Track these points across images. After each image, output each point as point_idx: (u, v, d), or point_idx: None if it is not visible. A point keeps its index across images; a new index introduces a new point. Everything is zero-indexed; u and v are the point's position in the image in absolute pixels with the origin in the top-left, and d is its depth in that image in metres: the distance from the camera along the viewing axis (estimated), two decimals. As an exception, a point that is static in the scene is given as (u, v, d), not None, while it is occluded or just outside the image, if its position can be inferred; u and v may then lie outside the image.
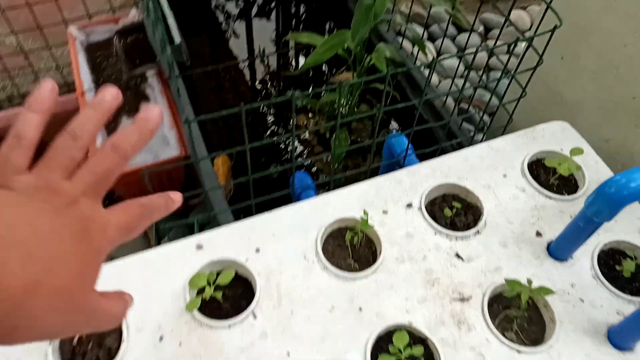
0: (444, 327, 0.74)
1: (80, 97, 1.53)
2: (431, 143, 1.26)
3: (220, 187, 1.07)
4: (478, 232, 0.84)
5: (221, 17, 1.98)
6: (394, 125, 1.62)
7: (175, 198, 0.37)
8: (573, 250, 0.80)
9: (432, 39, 2.06)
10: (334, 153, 1.37)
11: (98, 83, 1.60)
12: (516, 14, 2.23)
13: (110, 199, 1.63)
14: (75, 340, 0.69)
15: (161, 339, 0.71)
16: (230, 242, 0.81)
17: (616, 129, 1.13)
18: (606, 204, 0.65)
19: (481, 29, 2.14)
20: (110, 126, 1.50)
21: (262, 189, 0.95)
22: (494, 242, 0.83)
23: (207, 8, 2.03)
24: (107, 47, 1.71)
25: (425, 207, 0.87)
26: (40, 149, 0.31)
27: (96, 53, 1.70)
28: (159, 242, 1.48)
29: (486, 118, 1.73)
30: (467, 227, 0.86)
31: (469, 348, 0.72)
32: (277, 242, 0.81)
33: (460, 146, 1.20)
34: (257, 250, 0.80)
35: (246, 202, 0.91)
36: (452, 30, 2.11)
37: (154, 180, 1.43)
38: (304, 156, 1.55)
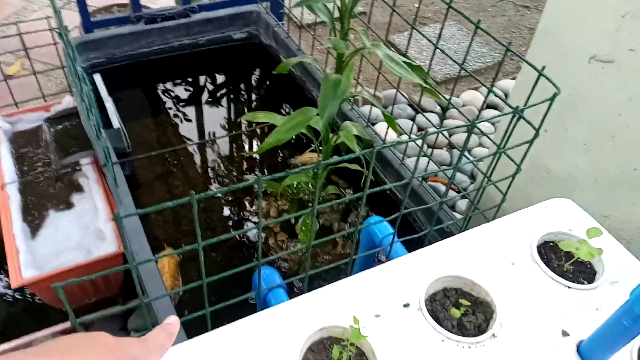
0: None
1: (0, 191, 1.37)
2: (410, 228, 1.17)
3: (167, 294, 0.92)
4: (494, 335, 0.73)
5: (168, 102, 1.93)
6: (364, 209, 1.54)
7: (172, 322, 0.41)
8: (609, 354, 0.70)
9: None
10: (302, 241, 1.26)
11: (23, 174, 1.45)
12: (470, 94, 2.33)
13: (34, 304, 1.42)
14: None
15: None
16: (179, 368, 0.65)
17: (617, 204, 1.09)
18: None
19: (438, 109, 2.20)
20: (36, 221, 1.33)
21: (218, 290, 0.81)
22: (515, 347, 0.71)
23: (153, 92, 1.98)
24: (35, 136, 1.60)
25: (426, 305, 0.75)
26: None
27: (22, 142, 1.57)
28: None
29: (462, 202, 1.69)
30: (479, 328, 0.74)
31: None
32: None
33: (447, 232, 1.12)
34: (216, 378, 0.65)
35: (198, 312, 0.76)
36: (409, 110, 2.15)
37: (85, 282, 1.25)
38: (269, 249, 1.43)
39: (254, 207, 1.56)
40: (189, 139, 1.80)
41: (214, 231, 1.50)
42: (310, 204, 1.40)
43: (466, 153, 1.97)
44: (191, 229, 1.48)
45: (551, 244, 0.88)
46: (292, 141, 1.81)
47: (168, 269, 1.22)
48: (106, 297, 1.37)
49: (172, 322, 0.44)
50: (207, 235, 1.46)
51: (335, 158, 0.70)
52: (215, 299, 0.77)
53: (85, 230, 1.33)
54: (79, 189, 1.44)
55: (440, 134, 2.06)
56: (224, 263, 1.44)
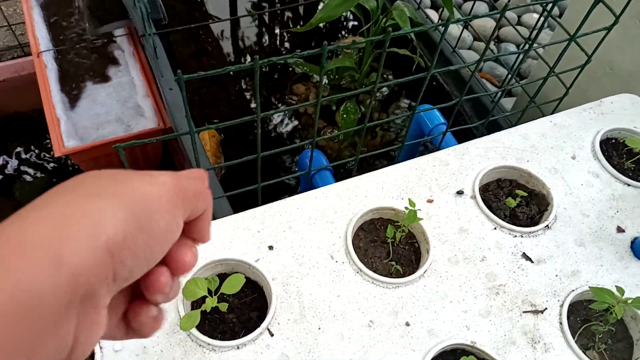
0: (515, 348, 0.62)
1: (36, 59, 1.34)
2: (456, 122, 1.13)
3: (212, 168, 0.92)
4: (548, 227, 0.72)
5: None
6: (404, 101, 1.49)
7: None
8: (667, 250, 0.69)
9: (435, 6, 1.95)
10: (342, 125, 1.23)
11: (57, 43, 1.41)
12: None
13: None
14: None
15: (146, 366, 0.56)
16: (235, 238, 0.67)
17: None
18: None
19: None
20: (74, 91, 1.32)
21: (255, 172, 0.81)
22: (569, 240, 0.71)
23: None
24: (68, 3, 1.53)
25: (480, 195, 0.74)
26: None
27: (54, 9, 1.51)
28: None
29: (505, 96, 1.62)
30: (532, 220, 0.74)
31: (547, 375, 0.60)
32: (295, 238, 0.68)
33: (496, 126, 1.08)
34: (271, 248, 0.66)
35: (250, 186, 0.77)
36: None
37: (127, 156, 1.27)
38: (307, 138, 1.41)
39: (292, 91, 1.52)
40: (226, 15, 1.71)
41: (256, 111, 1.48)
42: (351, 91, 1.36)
43: (513, 47, 1.85)
44: (229, 111, 1.46)
45: (613, 140, 0.84)
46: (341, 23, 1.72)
47: (210, 147, 1.22)
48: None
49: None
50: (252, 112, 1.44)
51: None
52: (253, 182, 0.77)
53: (123, 104, 1.32)
54: (114, 61, 1.41)
55: (489, 26, 1.93)
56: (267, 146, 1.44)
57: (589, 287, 0.65)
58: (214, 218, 0.69)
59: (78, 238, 0.21)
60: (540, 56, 1.05)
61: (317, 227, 0.69)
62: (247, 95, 1.52)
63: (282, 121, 1.46)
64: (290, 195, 0.74)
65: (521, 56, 0.85)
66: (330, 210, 0.71)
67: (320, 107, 1.34)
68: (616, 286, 0.63)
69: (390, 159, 1.35)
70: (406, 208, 0.67)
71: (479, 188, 0.77)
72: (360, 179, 0.74)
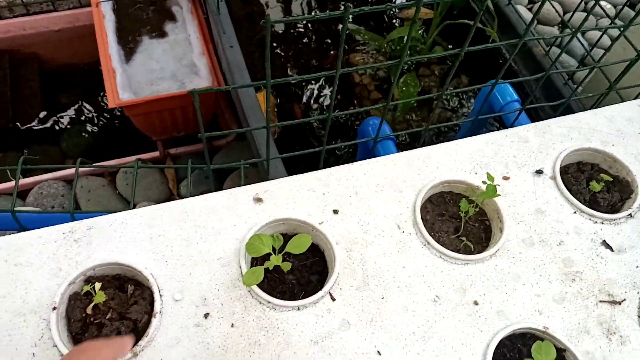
0: (589, 337, 0.59)
1: (95, 8, 1.35)
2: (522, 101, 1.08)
3: (269, 127, 0.91)
4: (631, 215, 0.68)
5: None
6: (464, 77, 1.43)
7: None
8: None
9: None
10: (401, 97, 1.20)
11: (114, -6, 1.41)
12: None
13: (128, 132, 1.48)
14: (91, 307, 0.54)
15: (206, 316, 0.56)
16: (299, 199, 0.65)
17: None
18: None
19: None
20: (130, 45, 1.32)
21: (306, 140, 0.78)
22: (653, 230, 0.67)
23: None
24: (127, -47, 1.52)
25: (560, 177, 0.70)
26: None
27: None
28: (178, 188, 1.34)
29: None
30: (613, 207, 0.70)
31: (623, 369, 0.57)
32: (361, 204, 0.66)
33: (567, 110, 1.02)
34: (335, 212, 0.65)
35: (313, 149, 0.75)
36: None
37: (178, 113, 1.27)
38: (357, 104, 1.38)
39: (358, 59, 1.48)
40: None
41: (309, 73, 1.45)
42: (412, 64, 1.31)
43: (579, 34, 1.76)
44: (282, 76, 1.44)
45: None
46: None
47: (264, 108, 1.20)
48: (192, 132, 1.40)
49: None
50: (305, 67, 1.42)
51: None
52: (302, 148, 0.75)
53: (179, 62, 1.32)
54: (172, 17, 1.40)
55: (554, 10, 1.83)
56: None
57: (677, 282, 0.61)
58: (270, 178, 0.67)
59: None
60: (626, 38, 0.98)
61: (384, 195, 0.67)
62: (301, 61, 1.49)
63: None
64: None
65: (604, 34, 0.79)
66: (399, 178, 0.68)
67: (379, 79, 1.30)
68: None
69: (449, 140, 1.31)
70: (483, 182, 0.64)
71: (560, 169, 0.73)
72: (433, 149, 0.71)
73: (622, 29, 0.77)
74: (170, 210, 0.62)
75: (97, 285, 0.53)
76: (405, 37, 1.22)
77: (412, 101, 1.16)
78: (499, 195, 0.64)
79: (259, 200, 0.64)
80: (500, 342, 0.58)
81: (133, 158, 1.42)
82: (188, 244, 0.59)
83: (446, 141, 0.73)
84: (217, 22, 1.09)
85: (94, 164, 1.12)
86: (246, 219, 0.62)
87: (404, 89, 1.24)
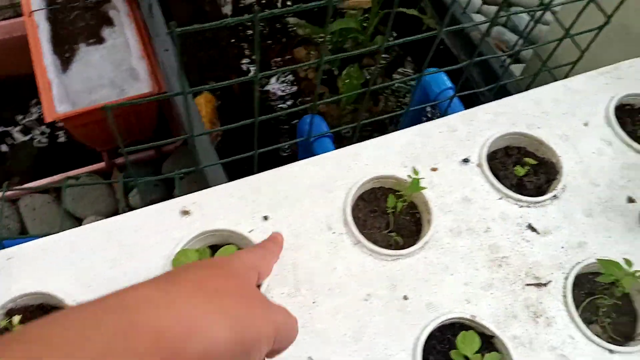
0: (517, 322, 0.60)
1: (27, 18, 1.31)
2: (463, 88, 1.09)
3: (207, 133, 0.90)
4: (555, 197, 0.70)
5: None
6: (409, 66, 1.44)
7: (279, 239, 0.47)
8: (680, 222, 0.67)
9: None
10: (344, 90, 1.20)
11: (49, 1, 1.37)
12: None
13: (76, 144, 1.45)
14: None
15: (136, 338, 0.56)
16: (228, 207, 0.65)
17: None
18: None
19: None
20: (66, 54, 1.29)
21: (252, 140, 0.78)
22: (577, 210, 0.69)
23: None
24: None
25: (486, 163, 0.72)
26: None
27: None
28: (127, 199, 1.32)
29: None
30: (540, 190, 0.72)
31: (549, 348, 0.59)
32: (292, 208, 0.66)
33: (504, 93, 1.04)
34: (265, 219, 0.65)
35: (246, 152, 0.75)
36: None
37: (120, 121, 1.25)
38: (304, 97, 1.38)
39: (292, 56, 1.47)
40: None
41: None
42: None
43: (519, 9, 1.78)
44: (227, 76, 1.42)
45: (629, 106, 0.80)
46: None
47: (205, 113, 1.19)
48: (140, 139, 1.38)
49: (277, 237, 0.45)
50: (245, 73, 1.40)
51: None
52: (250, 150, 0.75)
53: (117, 67, 1.29)
54: (109, 22, 1.37)
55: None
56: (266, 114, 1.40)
57: (597, 259, 0.63)
58: (208, 186, 0.67)
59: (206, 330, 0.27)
60: (555, 17, 1.00)
61: (314, 197, 0.67)
62: (246, 61, 1.48)
63: (282, 88, 1.42)
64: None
65: (537, 14, 0.81)
66: (329, 178, 0.69)
67: (322, 72, 1.30)
68: (624, 258, 0.61)
69: (392, 128, 1.32)
70: (409, 176, 0.65)
71: (487, 155, 0.74)
72: (361, 146, 0.72)
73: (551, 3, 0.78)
74: (93, 232, 0.61)
75: (16, 318, 0.52)
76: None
77: (352, 96, 1.16)
78: (425, 188, 0.66)
79: (186, 213, 0.64)
80: (431, 334, 0.59)
81: (81, 171, 1.39)
82: (113, 265, 0.59)
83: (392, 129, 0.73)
84: (150, 25, 1.07)
85: (16, 188, 1.09)
86: (173, 234, 0.62)
87: (347, 81, 1.24)
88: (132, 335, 0.24)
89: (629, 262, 0.61)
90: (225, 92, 1.35)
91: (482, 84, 1.15)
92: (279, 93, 1.41)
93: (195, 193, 0.65)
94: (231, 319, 0.29)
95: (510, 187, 0.71)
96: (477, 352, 0.55)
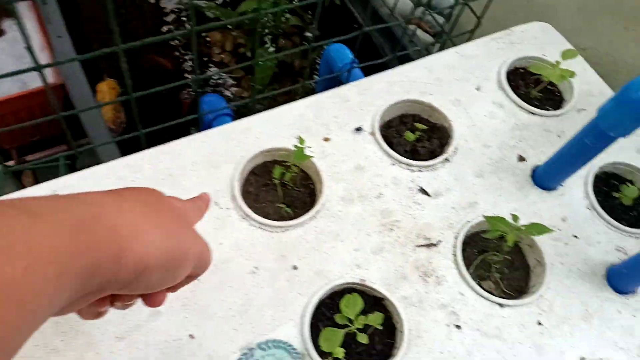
0: (407, 283, 0.60)
1: None
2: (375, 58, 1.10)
3: (100, 113, 0.86)
4: (447, 160, 0.70)
5: None
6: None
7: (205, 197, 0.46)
8: (565, 177, 0.69)
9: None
10: (257, 71, 1.18)
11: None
12: None
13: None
14: None
15: None
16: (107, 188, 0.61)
17: (599, 35, 1.02)
18: (630, 112, 0.52)
19: None
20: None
21: (161, 122, 0.75)
22: (468, 172, 0.70)
23: None
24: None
25: (380, 131, 0.71)
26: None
27: None
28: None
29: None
30: (433, 154, 0.72)
31: (439, 306, 0.59)
32: (176, 186, 0.63)
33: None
34: (147, 197, 0.62)
35: (136, 132, 0.72)
36: None
37: (24, 116, 1.18)
38: (220, 80, 1.35)
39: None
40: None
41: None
42: (270, 36, 1.29)
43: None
44: (135, 60, 1.37)
45: (522, 70, 0.82)
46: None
47: (109, 100, 1.14)
48: (50, 135, 1.31)
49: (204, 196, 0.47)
50: (160, 66, 1.36)
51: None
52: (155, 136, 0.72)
53: (19, 60, 1.22)
54: (9, 14, 1.29)
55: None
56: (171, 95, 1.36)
57: (484, 216, 0.63)
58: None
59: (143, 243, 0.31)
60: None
61: (200, 173, 0.65)
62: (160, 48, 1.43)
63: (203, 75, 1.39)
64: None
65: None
66: (217, 154, 0.66)
67: (239, 55, 1.27)
68: (512, 214, 0.62)
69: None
70: (295, 146, 0.64)
71: (382, 125, 0.74)
72: (252, 120, 0.70)
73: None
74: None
75: None
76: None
77: (266, 78, 1.15)
78: (311, 157, 0.65)
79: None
80: (321, 302, 0.59)
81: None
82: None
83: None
84: (43, 12, 1.01)
85: None
86: (45, 219, 0.58)
87: (260, 63, 1.22)
88: (95, 224, 0.28)
89: (515, 217, 0.62)
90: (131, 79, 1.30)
91: (396, 60, 1.16)
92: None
93: (67, 176, 0.61)
94: (167, 233, 0.33)
95: (404, 154, 0.71)
96: (361, 313, 0.54)
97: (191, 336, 0.54)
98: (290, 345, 0.55)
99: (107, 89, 1.11)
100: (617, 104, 0.53)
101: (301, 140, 0.64)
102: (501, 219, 0.61)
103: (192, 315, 0.55)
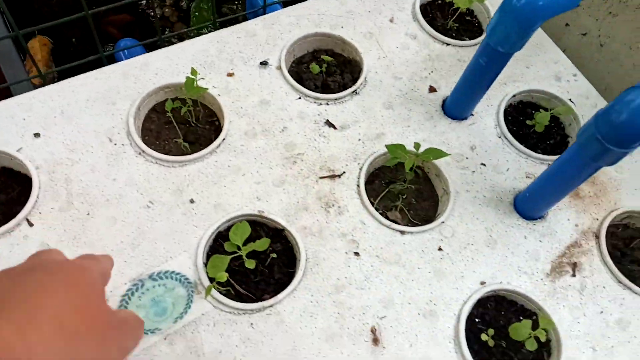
0: (307, 213, 0.60)
1: None
2: None
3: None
4: (355, 92, 0.69)
5: None
6: None
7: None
8: (473, 105, 0.68)
9: None
10: (194, 24, 1.15)
11: None
12: None
13: None
14: None
15: None
16: (-7, 127, 0.60)
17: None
18: (514, 22, 0.51)
19: None
20: None
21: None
22: (376, 104, 0.69)
23: None
24: None
25: (291, 68, 0.70)
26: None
27: None
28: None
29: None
30: (345, 89, 0.71)
31: (339, 235, 0.59)
32: (68, 123, 0.62)
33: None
34: (37, 136, 0.60)
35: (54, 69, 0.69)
36: None
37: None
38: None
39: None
40: None
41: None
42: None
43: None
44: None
45: (440, 1, 0.81)
46: None
47: (41, 57, 1.11)
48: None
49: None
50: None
51: None
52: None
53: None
54: None
55: None
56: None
57: (386, 145, 0.63)
58: None
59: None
60: None
61: (95, 110, 0.63)
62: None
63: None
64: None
65: None
66: (113, 90, 0.65)
67: (179, 7, 1.21)
68: (415, 142, 0.62)
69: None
70: (187, 78, 0.62)
71: (294, 60, 0.73)
72: (151, 56, 0.68)
73: None
74: None
75: None
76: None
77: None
78: (206, 89, 0.63)
79: (-58, 137, 0.58)
80: (219, 234, 0.58)
81: None
82: None
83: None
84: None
85: None
86: None
87: (197, 14, 1.19)
88: None
89: (417, 145, 0.61)
90: (61, 35, 1.25)
91: None
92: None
93: (-50, 114, 0.59)
94: None
95: (315, 89, 0.70)
96: (248, 238, 0.54)
97: (78, 270, 0.53)
98: (183, 276, 0.55)
99: (38, 45, 1.07)
100: (501, 15, 0.52)
101: (193, 72, 0.62)
102: (400, 146, 0.61)
103: (83, 249, 0.54)
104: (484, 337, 0.55)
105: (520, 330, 0.53)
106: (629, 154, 0.48)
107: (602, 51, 0.78)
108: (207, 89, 0.64)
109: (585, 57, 0.80)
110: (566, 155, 0.53)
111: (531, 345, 0.53)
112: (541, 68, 0.74)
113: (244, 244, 0.54)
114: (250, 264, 0.53)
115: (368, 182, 0.65)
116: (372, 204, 0.62)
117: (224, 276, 0.51)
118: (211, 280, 0.53)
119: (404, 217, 0.64)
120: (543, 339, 0.53)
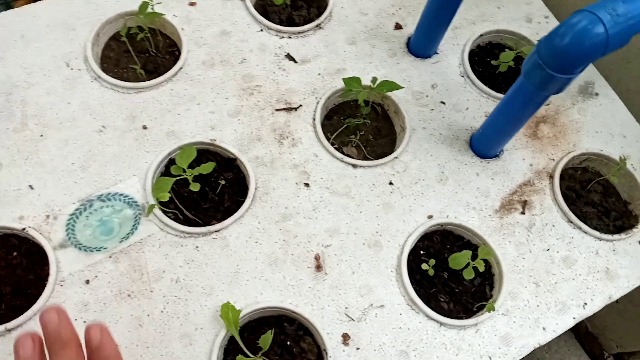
0: (260, 144, 0.61)
1: None
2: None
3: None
4: (319, 26, 0.69)
5: None
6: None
7: None
8: (437, 41, 0.67)
9: None
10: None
11: None
12: None
13: None
14: None
15: None
16: (-49, 48, 0.61)
17: None
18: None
19: None
20: None
21: None
22: (340, 39, 0.68)
23: None
24: None
25: (257, 1, 0.69)
26: None
27: None
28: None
29: None
30: (310, 22, 0.70)
31: (291, 166, 0.60)
32: (27, 47, 0.62)
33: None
34: (-6, 59, 0.61)
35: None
36: None
37: None
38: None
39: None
40: None
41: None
42: None
43: None
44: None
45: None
46: None
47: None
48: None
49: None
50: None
51: None
52: None
53: None
54: None
55: None
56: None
57: (342, 78, 0.63)
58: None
59: None
60: None
61: (54, 35, 0.63)
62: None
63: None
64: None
65: None
66: (74, 17, 0.65)
67: None
68: (373, 76, 0.61)
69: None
70: (143, 2, 0.62)
71: (260, -6, 0.72)
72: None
73: None
74: None
75: None
76: None
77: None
78: (162, 14, 0.63)
79: None
80: (170, 160, 0.59)
81: None
82: None
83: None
84: None
85: None
86: None
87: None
88: None
89: (374, 79, 0.61)
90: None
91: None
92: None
93: None
94: None
95: (279, 22, 0.69)
96: (194, 162, 0.55)
97: (31, 187, 0.55)
98: (131, 198, 0.56)
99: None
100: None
101: (149, -1, 0.62)
102: (356, 79, 0.61)
103: (34, 168, 0.56)
104: (424, 266, 0.56)
105: (459, 259, 0.54)
106: (573, 80, 0.48)
107: (580, -6, 0.76)
108: (163, 14, 0.64)
109: None
110: (513, 87, 0.53)
111: (468, 275, 0.54)
112: (512, 9, 0.73)
113: (190, 167, 0.55)
114: (195, 187, 0.54)
115: (327, 118, 0.65)
116: (329, 139, 0.63)
117: (166, 196, 0.52)
118: (161, 203, 0.55)
119: (360, 152, 0.65)
120: (482, 269, 0.54)
